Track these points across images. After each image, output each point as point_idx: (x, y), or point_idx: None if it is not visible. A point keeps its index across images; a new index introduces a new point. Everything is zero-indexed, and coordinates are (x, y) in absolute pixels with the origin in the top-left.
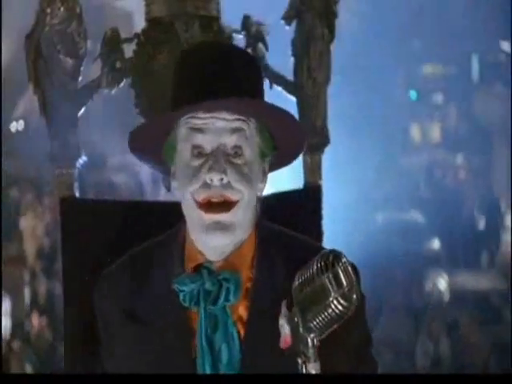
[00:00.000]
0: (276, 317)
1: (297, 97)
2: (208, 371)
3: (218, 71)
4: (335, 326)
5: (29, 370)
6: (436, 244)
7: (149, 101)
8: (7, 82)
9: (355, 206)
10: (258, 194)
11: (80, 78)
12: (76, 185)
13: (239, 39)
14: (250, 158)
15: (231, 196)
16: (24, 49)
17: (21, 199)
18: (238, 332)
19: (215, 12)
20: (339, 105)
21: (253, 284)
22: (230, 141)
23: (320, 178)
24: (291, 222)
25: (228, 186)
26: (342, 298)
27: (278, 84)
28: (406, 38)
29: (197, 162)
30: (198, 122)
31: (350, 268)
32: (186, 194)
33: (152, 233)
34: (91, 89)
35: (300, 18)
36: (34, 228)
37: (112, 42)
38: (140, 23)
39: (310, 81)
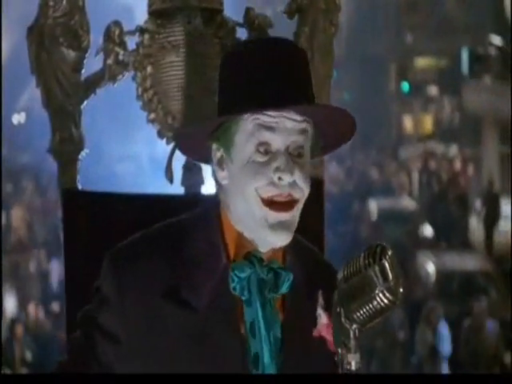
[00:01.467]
0: (310, 307)
1: None
2: (267, 360)
3: (289, 71)
4: (378, 319)
5: (28, 356)
6: (427, 229)
7: (151, 94)
8: (10, 73)
9: (352, 193)
10: None
11: (83, 71)
12: (78, 177)
13: (242, 32)
14: (307, 158)
15: (295, 194)
16: (26, 41)
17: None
18: (279, 317)
19: (218, 4)
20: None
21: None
22: (297, 141)
23: (322, 172)
24: None
25: (294, 184)
26: (388, 292)
27: None
28: (400, 31)
29: (263, 159)
30: (268, 120)
31: (396, 262)
32: (249, 189)
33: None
34: (94, 82)
35: (302, 11)
36: (32, 218)
37: (114, 35)
38: (143, 16)
39: (312, 74)
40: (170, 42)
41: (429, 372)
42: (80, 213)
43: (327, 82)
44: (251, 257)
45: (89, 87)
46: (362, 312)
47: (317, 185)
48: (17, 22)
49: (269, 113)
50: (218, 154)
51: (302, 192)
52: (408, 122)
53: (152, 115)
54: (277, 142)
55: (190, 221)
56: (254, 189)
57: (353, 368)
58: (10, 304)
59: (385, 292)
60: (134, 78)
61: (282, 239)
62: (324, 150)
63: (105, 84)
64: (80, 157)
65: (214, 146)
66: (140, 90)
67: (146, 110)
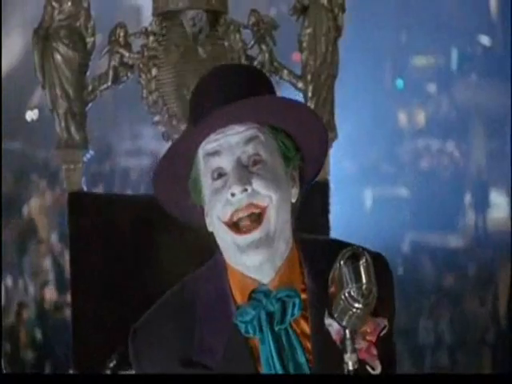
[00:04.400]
0: None
1: (304, 92)
2: None
3: (219, 89)
4: (359, 322)
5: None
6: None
7: (156, 96)
8: (24, 71)
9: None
10: (293, 200)
11: (88, 73)
12: (84, 179)
13: (247, 33)
14: (271, 162)
15: (259, 202)
16: (32, 43)
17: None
18: (301, 344)
19: (222, 6)
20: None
21: (309, 294)
22: (247, 151)
23: (328, 173)
24: (299, 217)
25: (254, 193)
26: (356, 292)
27: (285, 79)
28: (394, 31)
29: (220, 184)
30: (212, 146)
31: (372, 269)
32: (214, 219)
33: (160, 227)
34: (99, 83)
35: (307, 13)
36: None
37: (119, 37)
38: (150, 17)
39: (317, 75)
40: (175, 44)
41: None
42: (85, 214)
43: (331, 82)
44: (256, 294)
45: (94, 89)
46: (337, 313)
47: (321, 187)
48: (31, 20)
49: (210, 138)
50: (204, 208)
51: (269, 197)
52: (402, 118)
53: (157, 117)
54: (225, 162)
55: (202, 274)
56: (216, 217)
57: (350, 368)
58: (28, 288)
59: (351, 292)
60: (138, 80)
61: (258, 258)
62: (310, 155)
63: (109, 86)
64: (85, 159)
65: (197, 201)
66: (145, 92)
67: (150, 112)
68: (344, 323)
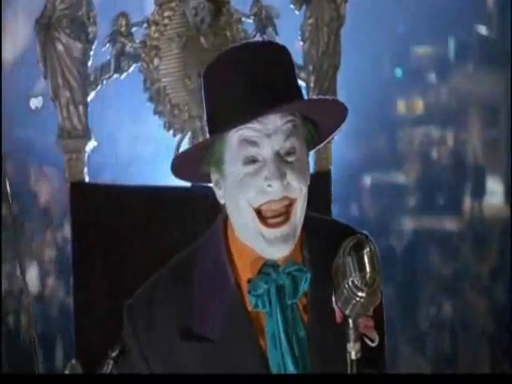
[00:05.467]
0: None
1: (306, 82)
2: (292, 370)
3: (264, 76)
4: (362, 310)
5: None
6: (412, 199)
7: (158, 86)
8: (28, 58)
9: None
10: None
11: (90, 63)
12: (86, 169)
13: (249, 23)
14: (302, 154)
15: (291, 195)
16: (34, 33)
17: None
18: (302, 318)
19: None
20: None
21: (309, 268)
22: (285, 146)
23: (330, 163)
24: None
25: (288, 186)
26: (360, 281)
27: None
28: (393, 21)
29: (252, 169)
30: (250, 134)
31: (376, 257)
32: (241, 202)
33: (162, 217)
34: (101, 73)
35: (309, 3)
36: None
37: (121, 27)
38: (151, 7)
39: (319, 65)
40: (178, 34)
41: None
42: (87, 204)
43: (333, 72)
44: (264, 268)
45: (96, 79)
46: (340, 300)
47: (323, 177)
48: (35, 8)
49: (250, 125)
50: (214, 177)
51: (300, 189)
52: (401, 106)
53: (159, 107)
54: (263, 152)
55: (201, 244)
56: (246, 200)
57: (353, 357)
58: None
59: (355, 281)
60: (141, 70)
61: (282, 252)
62: (319, 139)
63: (111, 76)
64: (87, 149)
65: (210, 170)
66: (147, 82)
67: (153, 101)
68: (347, 312)
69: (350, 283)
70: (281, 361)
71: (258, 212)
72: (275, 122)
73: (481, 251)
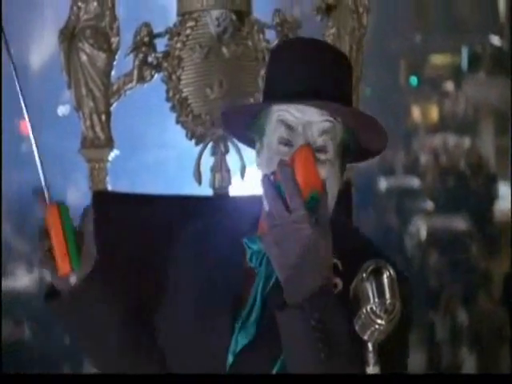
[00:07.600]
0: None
1: None
2: (252, 332)
3: (319, 69)
4: (377, 335)
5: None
6: (428, 203)
7: (180, 96)
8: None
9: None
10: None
11: (112, 73)
12: (108, 178)
13: (271, 33)
14: (334, 156)
15: None
16: (58, 43)
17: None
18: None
19: (247, 6)
20: None
21: None
22: (318, 141)
23: (351, 171)
24: None
25: None
26: (379, 308)
27: None
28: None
29: (284, 150)
30: (288, 118)
31: (396, 283)
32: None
33: (182, 226)
34: (124, 83)
35: (331, 12)
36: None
37: (144, 37)
38: (173, 18)
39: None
40: (200, 44)
41: None
42: (110, 213)
43: (355, 82)
44: None
45: (118, 89)
46: (357, 324)
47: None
48: (62, 18)
49: (291, 110)
50: (257, 145)
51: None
52: (416, 114)
53: (181, 116)
54: (295, 139)
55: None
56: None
57: None
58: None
59: (374, 307)
60: (163, 80)
61: None
62: (357, 157)
63: (134, 86)
64: (110, 158)
65: (254, 138)
66: (170, 92)
67: (175, 111)
68: (366, 337)
69: (369, 309)
70: (245, 317)
71: None
72: (313, 115)
73: (493, 255)
